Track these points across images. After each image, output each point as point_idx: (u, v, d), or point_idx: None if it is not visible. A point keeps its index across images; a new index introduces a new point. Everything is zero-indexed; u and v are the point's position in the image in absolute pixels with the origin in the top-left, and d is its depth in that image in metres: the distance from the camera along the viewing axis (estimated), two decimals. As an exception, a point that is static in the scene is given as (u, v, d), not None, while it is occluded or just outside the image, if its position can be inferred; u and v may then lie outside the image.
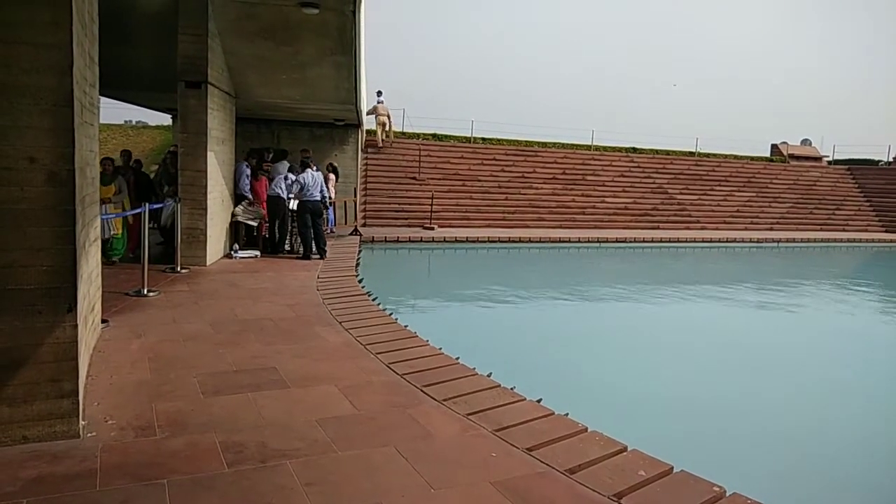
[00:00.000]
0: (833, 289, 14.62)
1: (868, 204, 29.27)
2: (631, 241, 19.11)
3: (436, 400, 4.32)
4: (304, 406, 4.11)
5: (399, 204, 19.27)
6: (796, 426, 5.63)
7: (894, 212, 28.28)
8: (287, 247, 11.51)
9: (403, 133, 24.90)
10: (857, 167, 33.00)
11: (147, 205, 7.86)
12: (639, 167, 26.15)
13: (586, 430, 3.90)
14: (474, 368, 5.07)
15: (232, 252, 10.60)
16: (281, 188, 11.13)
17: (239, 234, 11.27)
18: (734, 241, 21.26)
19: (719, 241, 20.97)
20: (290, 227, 11.53)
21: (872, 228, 27.34)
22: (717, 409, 5.85)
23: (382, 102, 20.82)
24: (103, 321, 5.75)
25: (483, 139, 25.79)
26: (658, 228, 22.21)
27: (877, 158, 34.73)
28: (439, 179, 21.04)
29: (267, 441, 3.54)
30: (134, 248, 9.73)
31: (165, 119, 22.21)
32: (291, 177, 11.06)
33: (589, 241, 18.36)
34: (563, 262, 16.41)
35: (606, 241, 18.69)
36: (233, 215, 11.08)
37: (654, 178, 25.61)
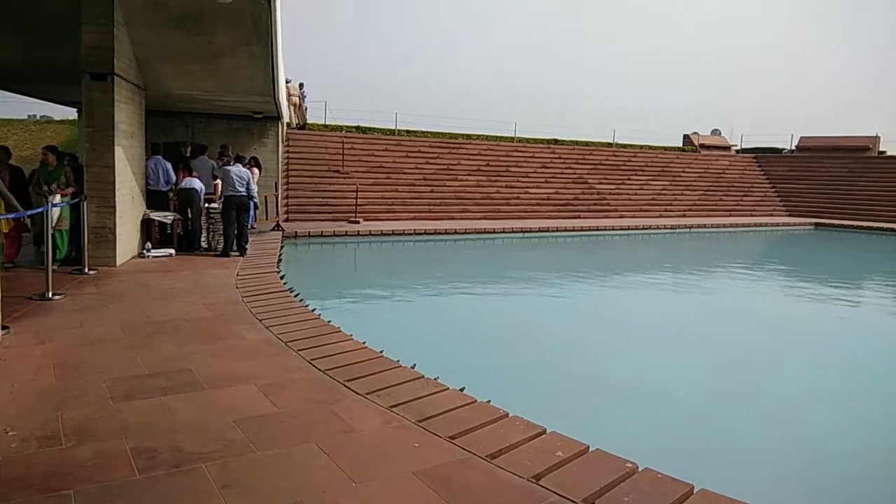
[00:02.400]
0: (742, 270, 15.49)
1: (773, 190, 31.09)
2: (553, 231, 19.56)
3: (359, 394, 4.29)
4: (221, 407, 4.00)
5: (323, 198, 18.98)
6: (704, 400, 5.93)
7: (797, 197, 30.17)
8: (204, 244, 11.13)
9: (326, 126, 24.54)
10: (763, 155, 34.97)
11: (49, 205, 7.41)
12: (560, 158, 26.78)
13: (507, 415, 3.97)
14: (398, 361, 5.06)
15: (144, 251, 10.15)
16: (197, 183, 10.76)
17: (152, 233, 10.80)
18: (650, 227, 22.12)
19: (636, 228, 21.77)
20: (207, 224, 11.14)
21: (777, 213, 29.09)
22: (632, 390, 6.08)
23: (290, 82, 20.64)
24: (3, 327, 5.39)
25: (408, 132, 25.76)
26: (579, 217, 22.82)
27: (780, 147, 36.89)
28: (364, 172, 20.86)
29: (181, 445, 3.42)
30: (14, 255, 8.75)
31: (71, 113, 21.01)
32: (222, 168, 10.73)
33: (513, 232, 18.66)
34: (489, 252, 16.63)
35: (530, 230, 19.05)
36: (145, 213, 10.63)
37: (575, 169, 26.30)
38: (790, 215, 28.65)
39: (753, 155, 34.81)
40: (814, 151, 34.23)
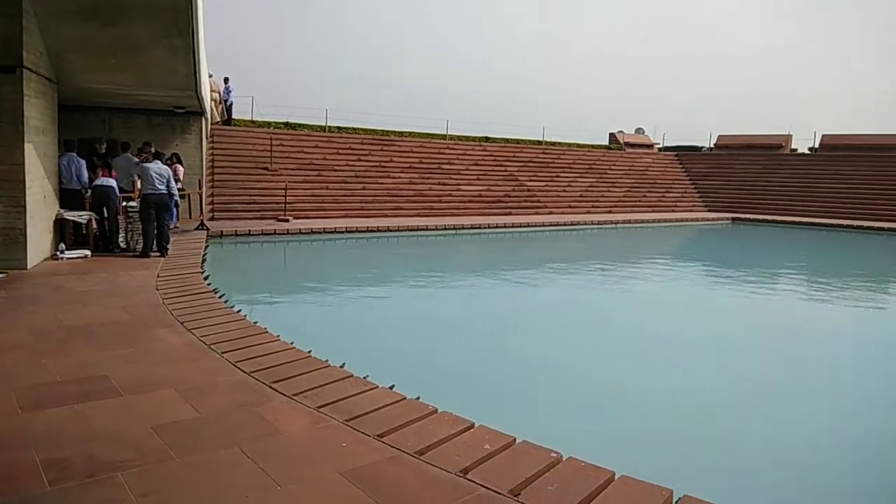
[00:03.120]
0: (663, 263, 16.13)
1: (693, 186, 32.44)
2: (486, 228, 19.78)
3: (285, 395, 4.21)
4: (138, 414, 3.84)
5: (250, 196, 18.51)
6: (626, 388, 6.13)
7: (715, 193, 31.58)
8: (122, 244, 10.66)
9: (253, 122, 23.95)
10: (684, 153, 36.45)
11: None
12: (491, 156, 27.09)
13: (436, 411, 3.99)
14: (327, 360, 5.00)
15: (58, 253, 9.63)
16: (113, 181, 10.30)
17: (66, 233, 10.25)
18: (578, 224, 22.69)
19: (565, 224, 22.28)
20: (125, 223, 10.67)
21: (697, 209, 30.37)
22: (558, 381, 6.22)
23: (212, 76, 20.07)
24: None
25: (339, 128, 25.46)
26: (510, 214, 23.17)
27: (700, 145, 38.54)
28: (293, 169, 20.48)
29: (95, 454, 3.26)
30: None
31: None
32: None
33: (446, 229, 18.77)
34: (422, 249, 16.67)
35: (463, 227, 19.20)
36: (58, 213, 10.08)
37: (506, 167, 26.66)
38: (709, 211, 29.98)
39: (675, 153, 36.23)
40: (731, 149, 35.92)
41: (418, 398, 4.25)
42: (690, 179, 33.06)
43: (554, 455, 3.36)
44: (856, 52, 76.21)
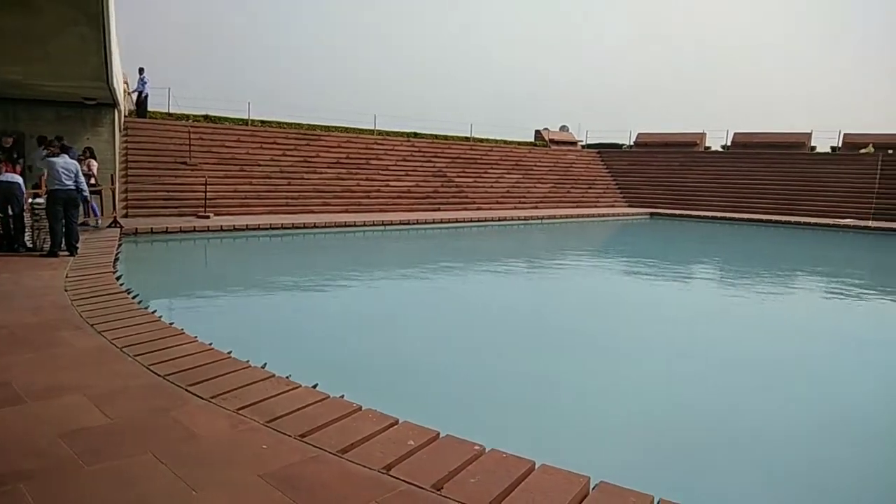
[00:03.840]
0: (585, 256, 16.61)
1: (615, 183, 33.54)
2: (414, 224, 19.78)
3: (202, 398, 4.08)
4: (44, 421, 3.62)
5: (168, 192, 17.80)
6: (545, 380, 6.28)
7: (635, 189, 32.77)
8: (29, 243, 10.04)
9: (170, 114, 23.03)
10: (606, 150, 37.62)
11: None
12: (420, 151, 27.11)
13: (360, 408, 3.96)
14: (248, 361, 4.88)
15: (-46, 253, 8.97)
16: (18, 177, 9.68)
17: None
18: (506, 219, 23.04)
19: (493, 219, 22.58)
20: (31, 221, 10.05)
21: (618, 204, 31.42)
22: (483, 374, 6.30)
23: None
24: None
25: (262, 122, 24.83)
26: (439, 210, 23.26)
27: (621, 143, 39.85)
28: (214, 164, 19.84)
29: (-6, 466, 3.06)
30: None
31: None
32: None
33: (374, 225, 18.65)
34: (349, 246, 16.48)
35: (391, 223, 19.13)
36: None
37: (434, 162, 26.74)
38: (630, 206, 31.08)
39: (597, 150, 37.34)
40: (650, 147, 37.35)
41: (342, 396, 4.21)
42: (612, 176, 34.16)
43: (477, 448, 3.40)
44: (766, 54, 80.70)
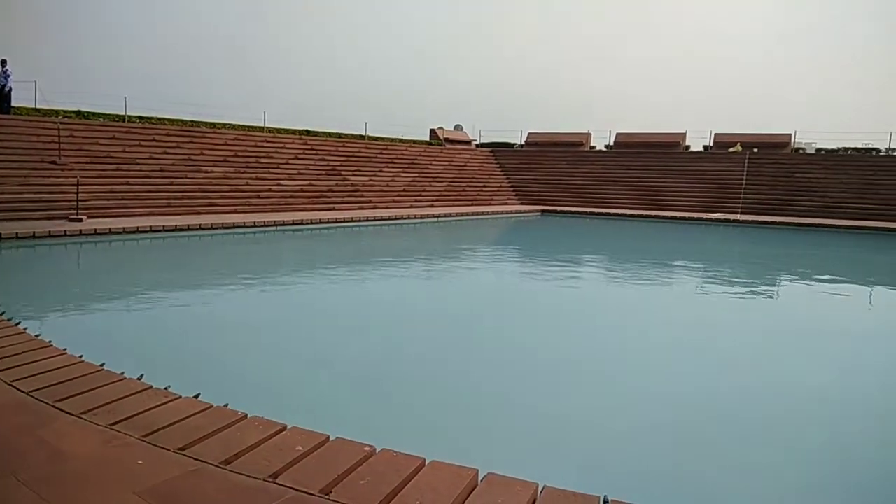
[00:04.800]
0: (482, 254, 16.94)
1: (508, 181, 34.41)
2: (308, 223, 19.35)
3: (72, 415, 3.77)
4: None
5: (36, 193, 16.36)
6: (437, 377, 6.34)
7: (527, 187, 33.77)
8: None
9: (37, 109, 21.25)
10: (499, 149, 38.53)
11: None
12: (313, 149, 26.58)
13: (246, 416, 3.80)
14: (122, 373, 4.56)
15: None
16: None
17: None
18: (402, 218, 23.06)
19: (389, 218, 22.53)
20: None
21: (511, 202, 32.26)
22: (375, 375, 6.25)
23: None
24: None
25: (140, 118, 23.43)
26: (334, 209, 22.90)
27: (513, 142, 40.97)
28: (87, 163, 18.47)
29: None
30: None
31: None
32: None
33: (266, 225, 18.06)
34: (237, 248, 15.87)
35: (283, 223, 18.61)
36: None
37: (329, 161, 26.31)
38: (522, 203, 32.00)
39: (491, 149, 38.18)
40: (540, 146, 38.64)
41: (226, 405, 4.03)
42: (505, 174, 35.04)
43: (367, 449, 3.36)
44: (643, 56, 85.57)
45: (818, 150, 36.16)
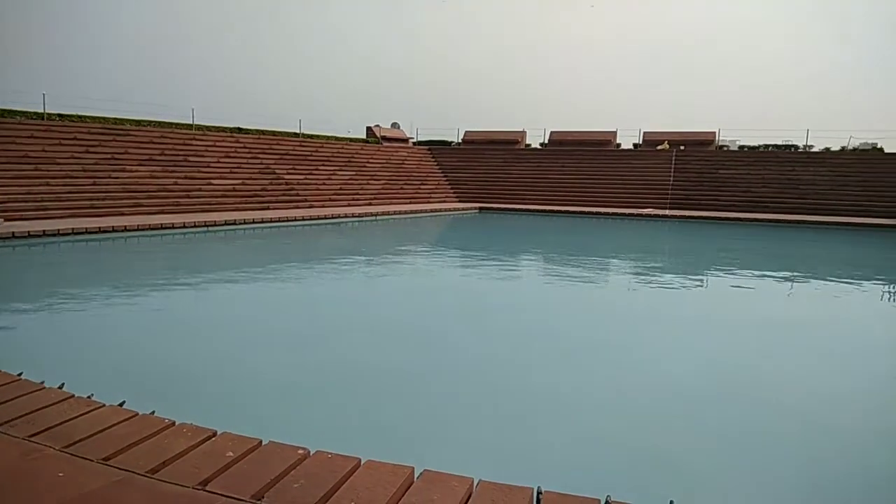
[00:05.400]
0: (421, 250, 16.95)
1: (445, 179, 34.54)
2: (241, 223, 18.89)
3: (-15, 428, 3.57)
4: None
5: (-57, 195, 15.40)
6: (370, 376, 6.32)
7: (464, 184, 33.99)
8: None
9: (-57, 107, 19.95)
10: (436, 147, 38.64)
11: None
12: (245, 148, 25.96)
13: (174, 424, 3.69)
14: (42, 382, 4.34)
15: None
16: None
17: None
18: (339, 216, 22.81)
19: (326, 217, 22.24)
20: None
21: (450, 199, 32.40)
22: (309, 377, 6.16)
23: None
24: None
25: (60, 115, 22.29)
26: (269, 209, 22.45)
27: (450, 140, 41.16)
28: (2, 164, 17.47)
29: None
30: None
31: None
32: None
33: (196, 226, 17.51)
34: (165, 250, 15.33)
35: (215, 224, 18.09)
36: None
37: (262, 159, 25.76)
38: (460, 201, 32.19)
39: (428, 147, 38.23)
40: (476, 144, 38.97)
41: (153, 413, 3.89)
42: (443, 172, 35.16)
43: (301, 451, 3.31)
44: (581, 58, 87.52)
45: (741, 147, 37.91)
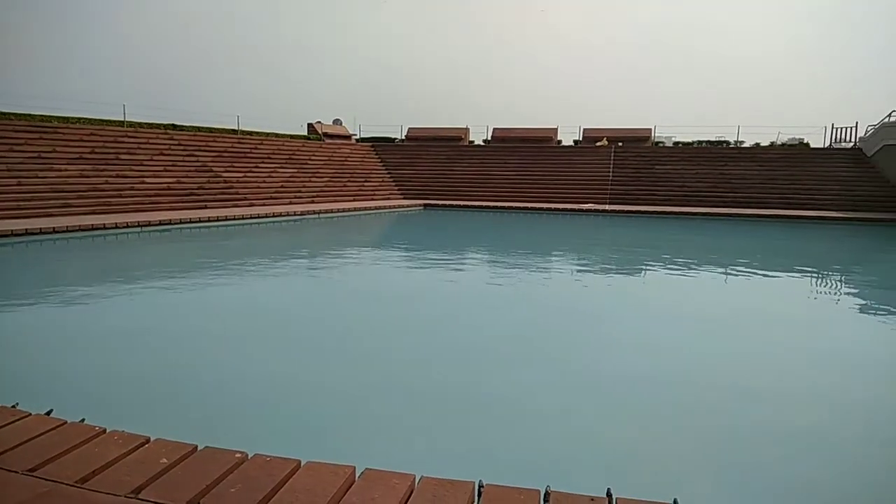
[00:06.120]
0: (369, 248, 16.83)
1: (390, 176, 34.39)
2: (177, 223, 18.32)
3: None
4: None
5: None
6: (305, 378, 6.25)
7: (409, 181, 33.91)
8: None
9: None
10: (380, 144, 38.41)
11: None
12: (180, 145, 25.20)
13: (104, 431, 3.55)
14: (-40, 393, 4.12)
15: None
16: None
17: None
18: (281, 215, 22.41)
19: (266, 216, 21.81)
20: None
21: (394, 196, 32.28)
22: (248, 379, 6.03)
23: None
24: None
25: (-21, 113, 21.14)
26: (206, 208, 21.87)
27: (393, 136, 40.99)
28: (-86, 162, 16.43)
29: None
30: None
31: None
32: None
33: (129, 226, 16.89)
34: (95, 251, 14.73)
35: (149, 224, 17.48)
36: None
37: (198, 157, 25.07)
38: (405, 198, 32.12)
39: (371, 144, 37.98)
40: (420, 140, 38.94)
41: (83, 421, 3.74)
42: (387, 169, 35.00)
43: (238, 455, 3.24)
44: (525, 57, 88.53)
45: (676, 143, 39.15)
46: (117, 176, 20.95)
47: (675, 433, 5.03)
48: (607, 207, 28.71)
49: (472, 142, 39.87)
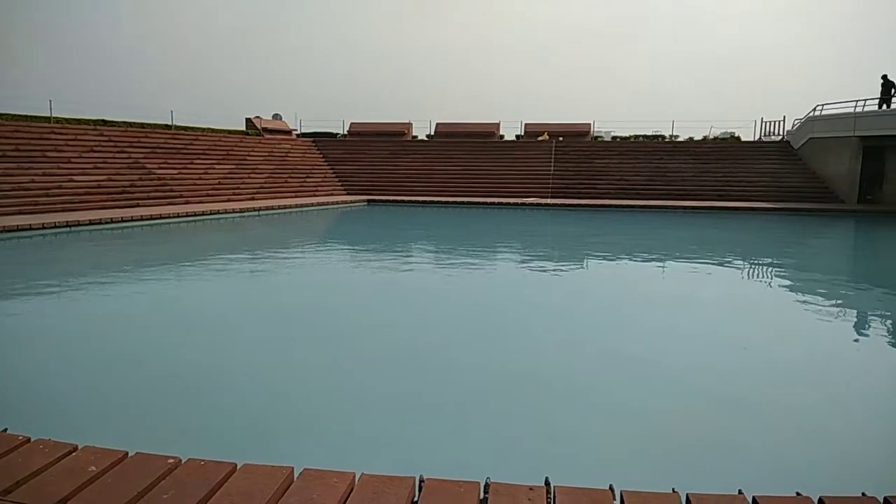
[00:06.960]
0: (311, 245, 16.60)
1: (332, 171, 33.97)
2: (108, 222, 17.61)
3: None
4: None
5: None
6: (243, 377, 6.16)
7: (352, 177, 33.58)
8: None
9: None
10: (321, 139, 37.89)
11: None
12: (110, 141, 24.26)
13: (29, 440, 3.40)
14: None
15: None
16: None
17: None
18: (219, 212, 21.85)
19: (204, 213, 21.23)
20: None
21: (337, 192, 31.91)
22: (180, 381, 5.88)
23: None
24: None
25: None
26: (139, 206, 21.12)
27: (335, 131, 40.50)
28: None
29: None
30: None
31: None
32: None
33: (56, 226, 16.15)
34: (19, 254, 14.03)
35: (78, 224, 16.76)
36: None
37: (130, 153, 24.19)
38: (348, 194, 31.80)
39: (312, 139, 37.43)
40: (363, 136, 38.60)
41: (6, 430, 3.58)
42: (329, 165, 34.56)
43: (171, 460, 3.16)
44: (468, 54, 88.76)
45: (614, 137, 40.11)
46: (44, 174, 19.99)
47: (608, 420, 5.18)
48: (549, 201, 29.16)
49: (416, 137, 39.79)
